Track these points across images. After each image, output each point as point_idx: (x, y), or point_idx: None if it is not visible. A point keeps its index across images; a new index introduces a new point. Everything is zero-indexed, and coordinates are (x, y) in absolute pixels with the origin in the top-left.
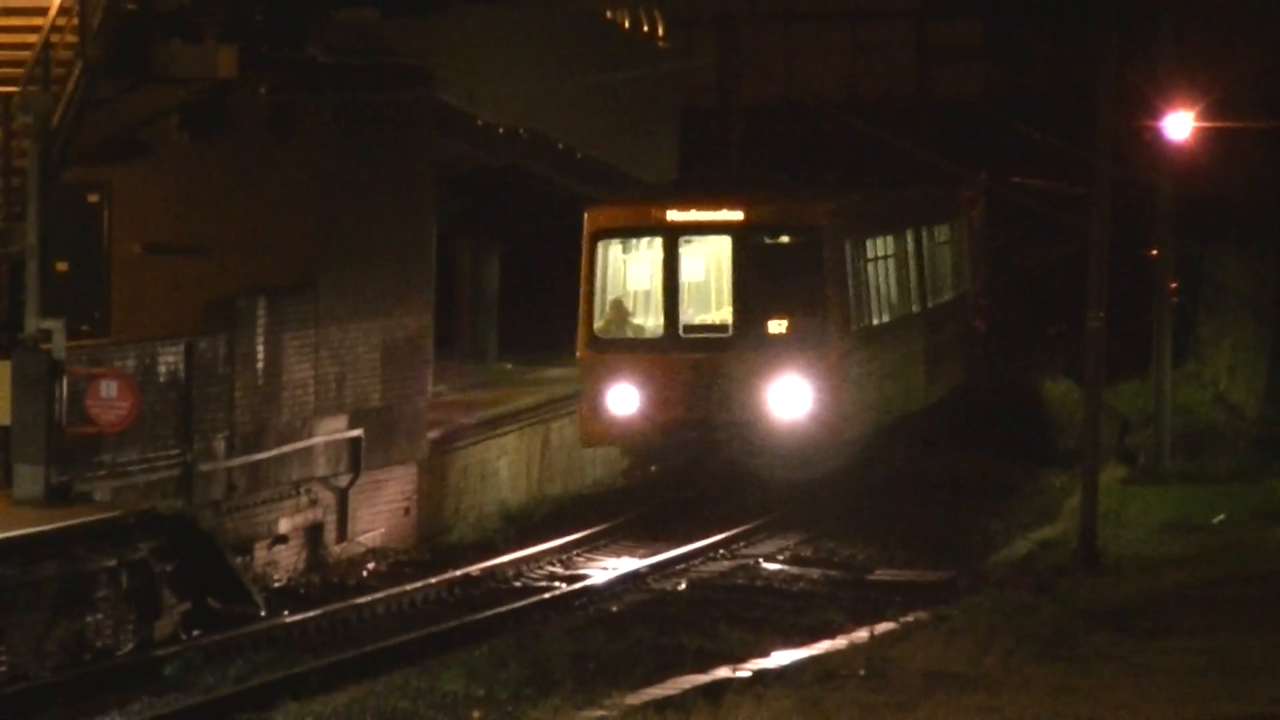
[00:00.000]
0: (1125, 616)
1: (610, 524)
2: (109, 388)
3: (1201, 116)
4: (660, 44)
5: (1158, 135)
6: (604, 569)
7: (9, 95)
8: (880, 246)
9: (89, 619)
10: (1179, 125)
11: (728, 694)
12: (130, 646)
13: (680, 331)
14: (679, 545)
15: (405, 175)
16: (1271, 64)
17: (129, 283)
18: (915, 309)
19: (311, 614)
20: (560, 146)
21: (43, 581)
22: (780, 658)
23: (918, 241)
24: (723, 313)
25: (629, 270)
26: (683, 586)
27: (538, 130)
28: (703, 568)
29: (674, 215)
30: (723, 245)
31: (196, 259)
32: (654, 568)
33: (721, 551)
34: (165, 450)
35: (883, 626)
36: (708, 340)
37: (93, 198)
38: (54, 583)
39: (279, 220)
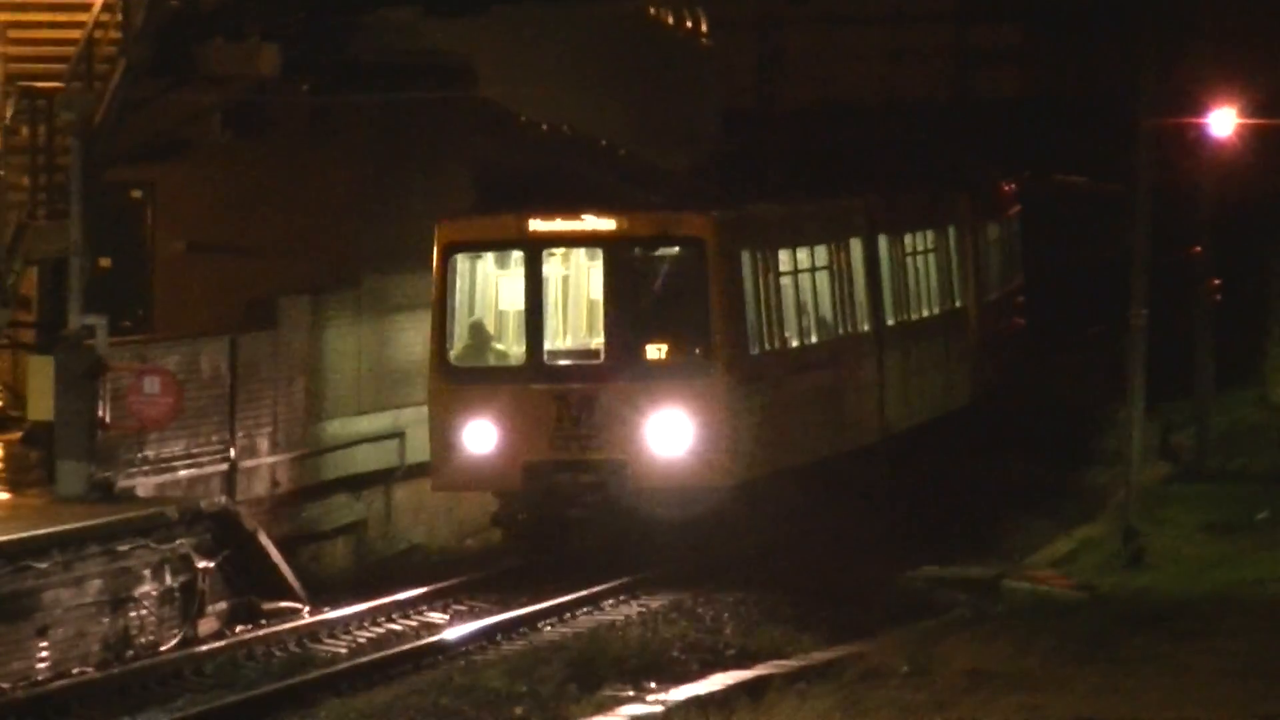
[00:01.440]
0: (1166, 617)
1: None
2: (152, 384)
3: (1244, 114)
4: (703, 42)
5: (1200, 132)
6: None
7: (52, 92)
8: (804, 258)
9: (132, 615)
10: (1223, 122)
11: (770, 691)
12: (173, 643)
13: (545, 359)
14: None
15: (446, 174)
16: None
17: (171, 281)
18: (864, 328)
19: (355, 609)
20: (603, 144)
21: (86, 578)
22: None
23: (871, 251)
24: (594, 338)
25: (487, 290)
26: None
27: (579, 128)
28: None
29: (537, 226)
30: (594, 260)
31: (238, 257)
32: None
33: (569, 615)
34: (208, 447)
35: (924, 624)
36: (576, 369)
37: (136, 195)
38: (97, 579)
39: (321, 219)
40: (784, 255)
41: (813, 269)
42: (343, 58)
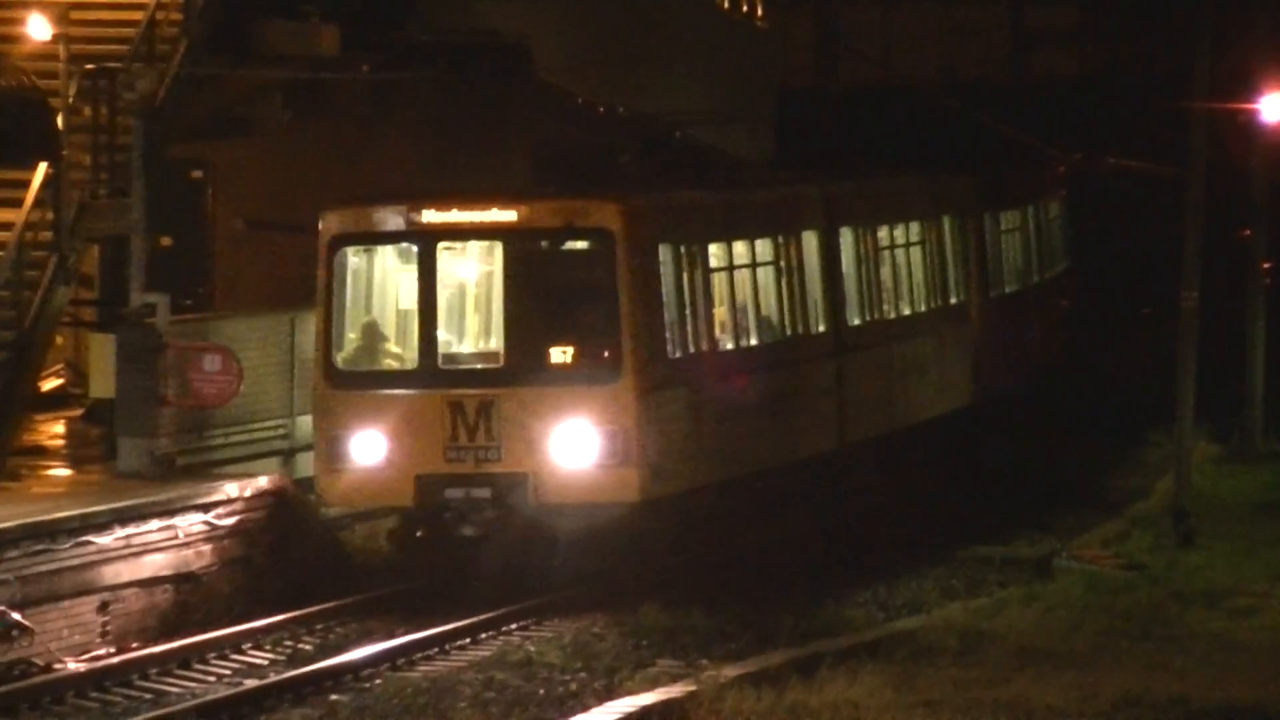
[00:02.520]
0: (1217, 596)
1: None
2: (212, 362)
3: None
4: (759, 24)
5: (1252, 117)
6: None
7: (114, 72)
8: (743, 253)
9: (191, 589)
10: (1274, 107)
11: (821, 668)
12: (231, 616)
13: (439, 363)
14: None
15: (504, 153)
16: None
17: (231, 258)
18: (820, 329)
19: (406, 586)
20: (659, 125)
21: (145, 552)
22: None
23: (830, 245)
24: (493, 339)
25: (378, 287)
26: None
27: (636, 108)
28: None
29: (431, 217)
30: (494, 254)
31: (298, 235)
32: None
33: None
34: (268, 423)
35: (976, 603)
36: (473, 373)
37: (196, 174)
38: (156, 553)
39: None
40: (717, 249)
41: (753, 264)
42: (401, 38)
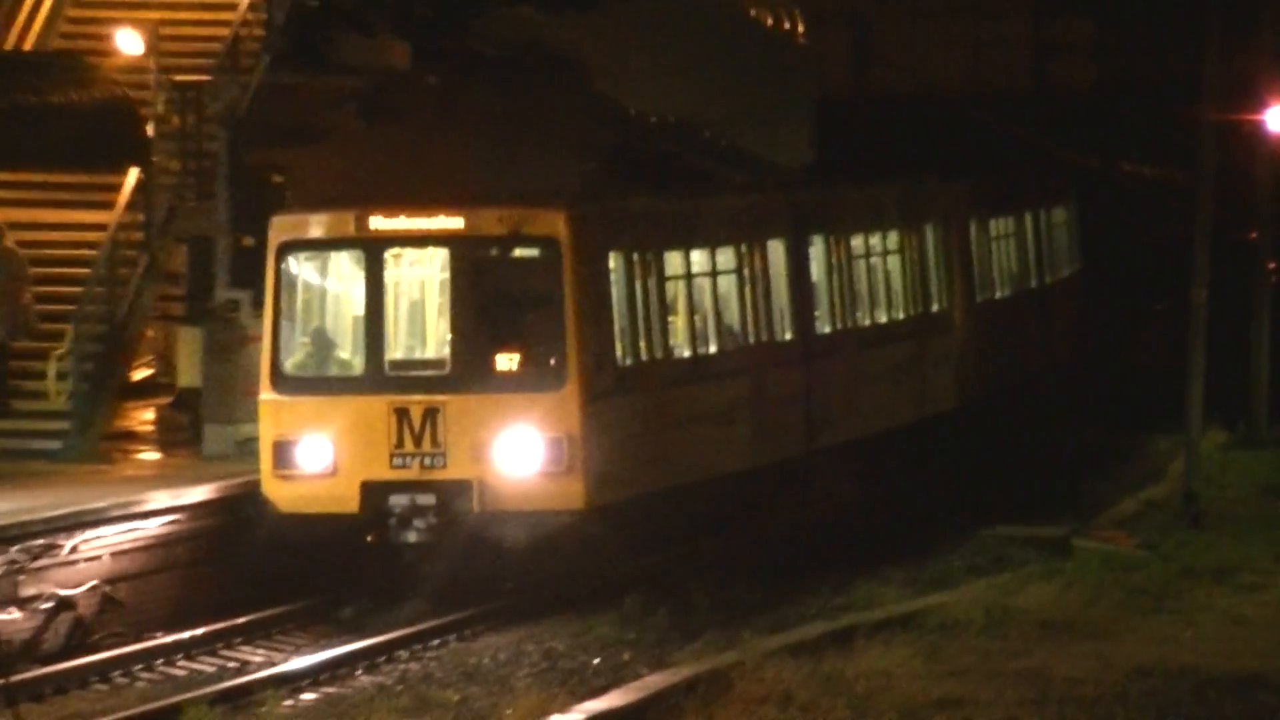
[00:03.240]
0: (1225, 573)
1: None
2: None
3: None
4: (798, 39)
5: (1259, 127)
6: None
7: (201, 85)
8: (702, 261)
9: (277, 566)
10: (1277, 118)
11: (857, 639)
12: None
13: (385, 369)
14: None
15: (560, 160)
16: None
17: None
18: (786, 336)
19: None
20: (706, 134)
21: (230, 531)
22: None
23: (798, 253)
24: (440, 346)
25: (325, 293)
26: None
27: (684, 118)
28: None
29: (378, 224)
30: (441, 261)
31: None
32: None
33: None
34: None
35: (1000, 579)
36: (419, 379)
37: (276, 178)
38: (242, 533)
39: None
40: (674, 257)
41: (713, 272)
42: (465, 51)
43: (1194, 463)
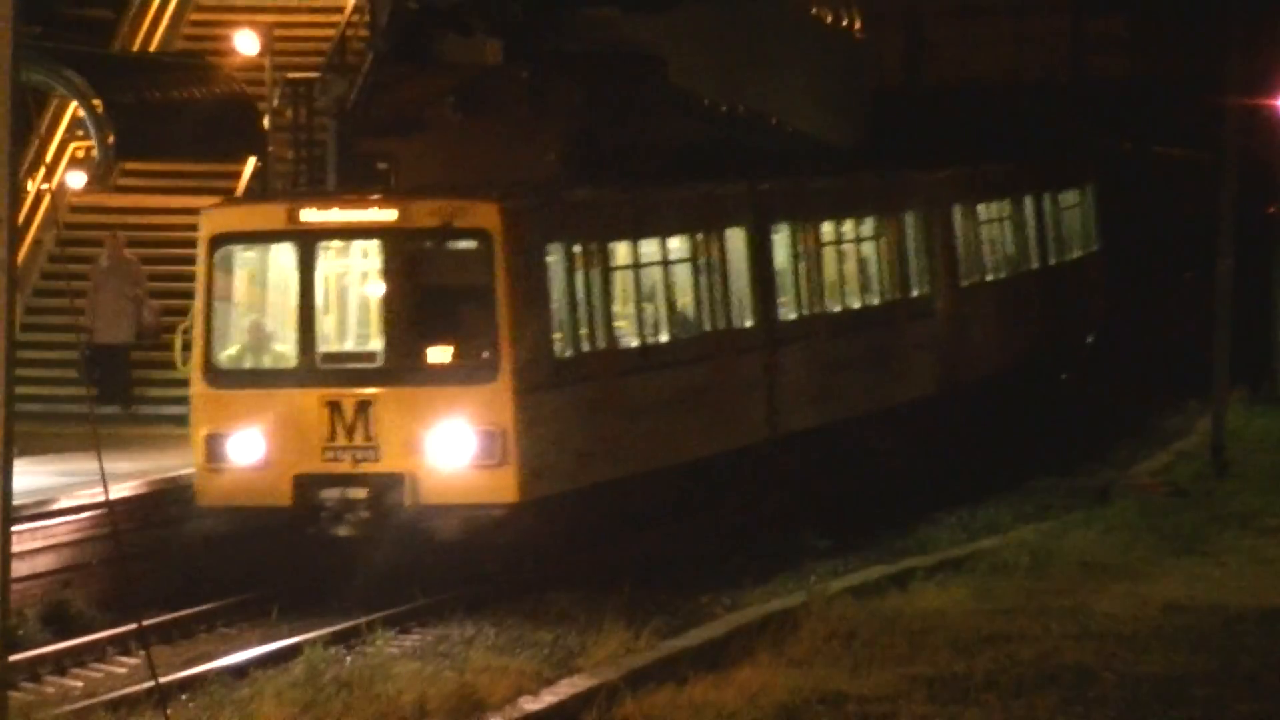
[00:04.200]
0: (1250, 517)
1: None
2: None
3: None
4: (857, 35)
5: (1275, 111)
6: None
7: (312, 81)
8: (653, 251)
9: None
10: None
11: (914, 581)
12: None
13: (318, 361)
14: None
15: (641, 148)
16: None
17: None
18: (746, 324)
19: None
20: (774, 121)
21: None
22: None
23: (760, 242)
24: (373, 338)
25: (258, 285)
26: None
27: (752, 108)
28: None
29: (310, 216)
30: (374, 254)
31: None
32: None
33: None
34: None
35: (1045, 525)
36: (352, 372)
37: (382, 166)
38: None
39: None
40: (621, 247)
41: (665, 262)
42: (553, 49)
43: (1220, 418)
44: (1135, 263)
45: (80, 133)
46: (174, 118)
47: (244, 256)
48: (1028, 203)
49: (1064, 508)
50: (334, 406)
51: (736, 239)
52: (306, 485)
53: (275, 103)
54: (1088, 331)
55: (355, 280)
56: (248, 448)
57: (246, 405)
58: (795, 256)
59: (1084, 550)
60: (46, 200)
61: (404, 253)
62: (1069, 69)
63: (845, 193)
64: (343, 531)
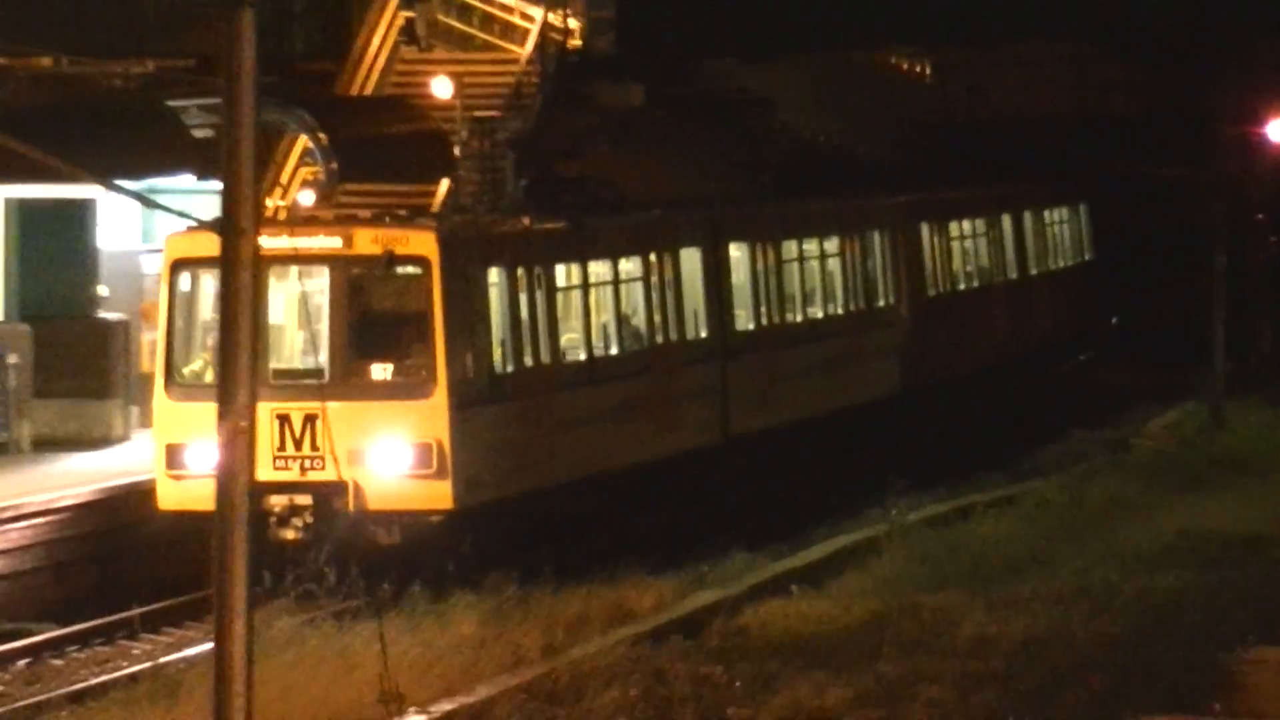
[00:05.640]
0: (1240, 463)
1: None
2: None
3: None
4: (925, 79)
5: (1262, 138)
6: None
7: (493, 118)
8: (602, 271)
9: None
10: (1276, 130)
11: (974, 513)
12: None
13: (270, 377)
14: None
15: (754, 172)
16: None
17: None
18: (700, 335)
19: None
20: (860, 149)
21: None
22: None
23: (715, 261)
24: (320, 356)
25: (215, 306)
26: None
27: (842, 141)
28: None
29: (263, 243)
30: (322, 278)
31: None
32: None
33: None
34: None
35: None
36: (300, 387)
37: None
38: None
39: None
40: (568, 269)
41: (615, 282)
42: (684, 93)
43: (1217, 383)
44: (1130, 268)
45: (309, 160)
46: (383, 148)
47: (201, 280)
48: (1005, 220)
49: (1093, 455)
50: (284, 419)
51: (692, 259)
52: (257, 492)
53: (464, 136)
54: (1077, 329)
55: (304, 302)
56: (204, 457)
57: (203, 417)
58: (753, 273)
59: (1109, 490)
60: (282, 215)
61: (348, 278)
62: (1089, 107)
63: (804, 215)
64: (289, 535)
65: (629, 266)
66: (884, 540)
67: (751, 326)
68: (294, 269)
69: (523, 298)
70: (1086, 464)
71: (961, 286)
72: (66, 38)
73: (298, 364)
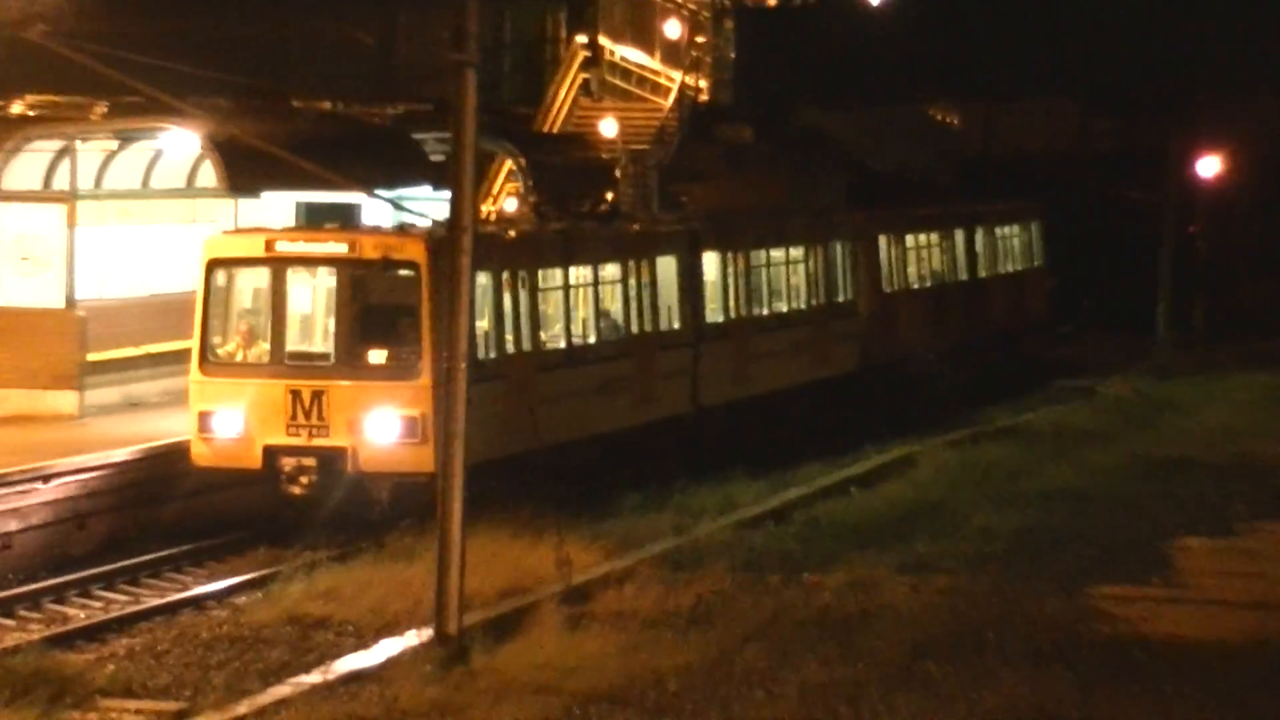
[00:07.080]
0: (1178, 405)
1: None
2: None
3: (1229, 158)
4: (952, 125)
5: (1203, 169)
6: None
7: (644, 150)
8: (583, 275)
9: None
10: (1208, 165)
11: (982, 440)
12: None
13: (285, 359)
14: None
15: (827, 193)
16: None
17: None
18: (674, 326)
19: None
20: (913, 177)
21: None
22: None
23: (691, 265)
24: (328, 342)
25: (243, 298)
26: None
27: (897, 169)
28: None
29: (283, 247)
30: (330, 277)
31: None
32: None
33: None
34: None
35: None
36: (311, 368)
37: (683, 199)
38: None
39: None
40: (550, 273)
41: (595, 283)
42: (777, 131)
43: (1163, 346)
44: (1103, 264)
45: (512, 178)
46: (565, 173)
47: (233, 276)
48: (959, 233)
49: (1071, 399)
50: (296, 394)
51: (670, 264)
52: (272, 454)
53: (623, 162)
54: (1027, 319)
55: (315, 297)
56: (231, 422)
57: (230, 390)
58: (726, 275)
59: (1082, 424)
60: (493, 218)
61: (353, 277)
62: (1078, 147)
63: (771, 227)
64: (296, 491)
65: (611, 269)
66: (919, 455)
67: (720, 319)
68: (307, 269)
69: (506, 295)
70: (1065, 405)
71: (915, 285)
72: (344, 86)
73: (309, 348)
